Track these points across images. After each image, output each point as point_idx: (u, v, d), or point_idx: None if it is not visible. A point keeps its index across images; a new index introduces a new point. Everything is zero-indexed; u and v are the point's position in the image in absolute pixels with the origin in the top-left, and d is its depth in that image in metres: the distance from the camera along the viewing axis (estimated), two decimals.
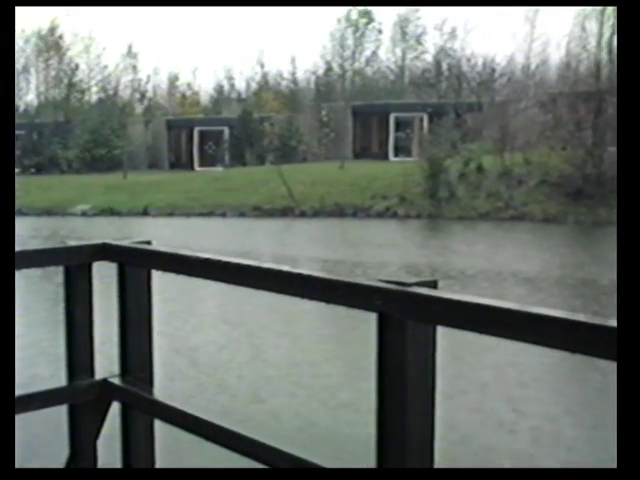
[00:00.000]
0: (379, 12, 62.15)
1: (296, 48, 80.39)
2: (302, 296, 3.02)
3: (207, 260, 3.41)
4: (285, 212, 37.48)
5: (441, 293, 2.60)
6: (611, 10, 39.56)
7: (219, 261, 3.34)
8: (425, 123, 49.15)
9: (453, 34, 59.71)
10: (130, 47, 60.35)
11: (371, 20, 60.43)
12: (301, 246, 28.84)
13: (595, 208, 35.14)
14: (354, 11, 59.51)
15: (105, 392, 3.81)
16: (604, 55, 39.89)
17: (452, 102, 49.72)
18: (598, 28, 39.90)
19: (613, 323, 2.07)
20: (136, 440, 3.80)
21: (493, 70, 53.98)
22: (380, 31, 61.54)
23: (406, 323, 2.64)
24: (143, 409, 3.81)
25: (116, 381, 3.81)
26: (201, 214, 37.87)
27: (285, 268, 3.09)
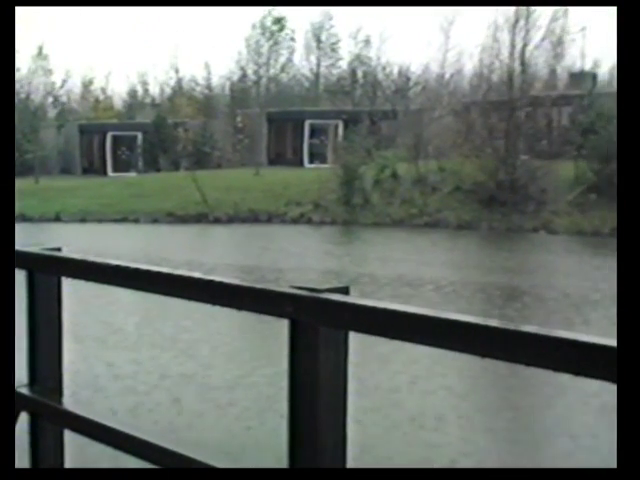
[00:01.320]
0: (293, 19, 62.16)
1: (211, 54, 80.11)
2: (213, 303, 3.01)
3: (118, 267, 3.36)
4: (199, 218, 37.28)
5: (353, 299, 2.61)
6: (523, 23, 40.28)
7: (130, 268, 3.30)
8: (340, 130, 49.36)
9: (368, 42, 60.20)
10: (41, 48, 59.35)
11: (284, 27, 60.46)
12: (215, 252, 28.72)
13: (508, 215, 35.71)
14: (268, 17, 59.49)
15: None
16: (516, 66, 40.58)
17: (367, 110, 50.08)
18: (510, 39, 40.56)
19: (612, 342, 2.00)
20: (45, 451, 3.73)
21: (408, 79, 54.57)
22: (293, 39, 61.65)
23: (318, 329, 2.65)
24: (52, 419, 3.74)
25: (24, 391, 3.73)
26: (114, 220, 37.45)
27: (197, 275, 3.08)
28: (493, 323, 2.32)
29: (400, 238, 32.32)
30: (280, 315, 2.74)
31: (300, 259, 26.28)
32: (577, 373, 2.14)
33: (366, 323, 2.57)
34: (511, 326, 2.28)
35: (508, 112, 39.58)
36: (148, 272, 3.26)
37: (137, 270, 3.29)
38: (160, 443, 3.13)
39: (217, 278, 2.99)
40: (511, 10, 40.28)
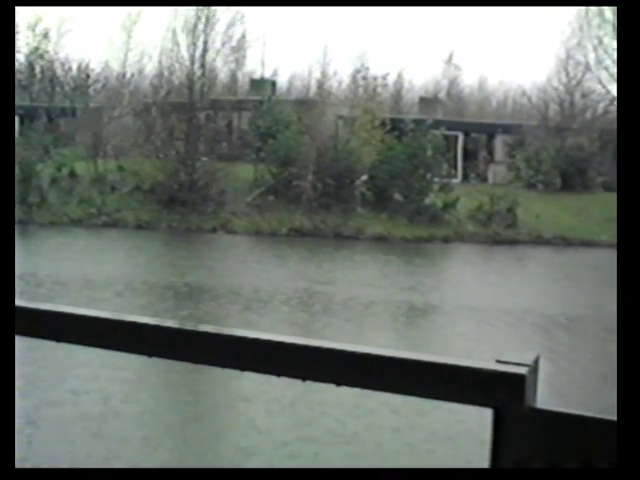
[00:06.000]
0: None
1: None
2: None
3: None
4: None
5: (19, 303, 2.52)
6: (202, 27, 40.70)
7: None
8: (16, 126, 47.67)
9: (46, 35, 58.45)
10: None
11: None
12: None
13: (187, 215, 36.05)
14: None
15: None
16: (197, 69, 41.00)
17: (45, 105, 48.74)
18: (190, 43, 40.87)
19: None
20: None
21: (87, 76, 53.53)
22: None
23: None
24: None
25: None
26: None
27: None
28: (164, 323, 2.32)
29: (78, 238, 31.74)
30: None
31: None
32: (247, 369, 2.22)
33: (33, 327, 2.49)
34: (177, 325, 2.31)
35: (189, 114, 39.99)
36: None
37: None
38: None
39: None
40: (191, 14, 40.65)
